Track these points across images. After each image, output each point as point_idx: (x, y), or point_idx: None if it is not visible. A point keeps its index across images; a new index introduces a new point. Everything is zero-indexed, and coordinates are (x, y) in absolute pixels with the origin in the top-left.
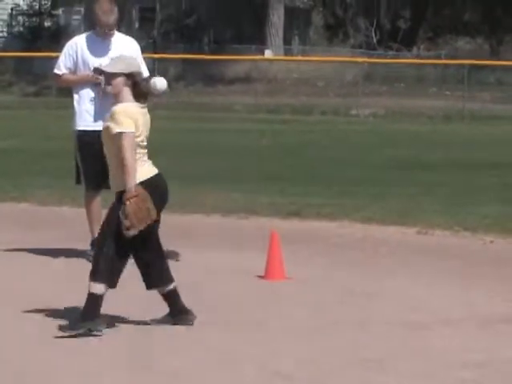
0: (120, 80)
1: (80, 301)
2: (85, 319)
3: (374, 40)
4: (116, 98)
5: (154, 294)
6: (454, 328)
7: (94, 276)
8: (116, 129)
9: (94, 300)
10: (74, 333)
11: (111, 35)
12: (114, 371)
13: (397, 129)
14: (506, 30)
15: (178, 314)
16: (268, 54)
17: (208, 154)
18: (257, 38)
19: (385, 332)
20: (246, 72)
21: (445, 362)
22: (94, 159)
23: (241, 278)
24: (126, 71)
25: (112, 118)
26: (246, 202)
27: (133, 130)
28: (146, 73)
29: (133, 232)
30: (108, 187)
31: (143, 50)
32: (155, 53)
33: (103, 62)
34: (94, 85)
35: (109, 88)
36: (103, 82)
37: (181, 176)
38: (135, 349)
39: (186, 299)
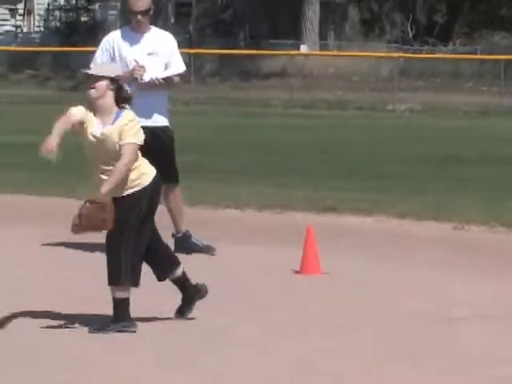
0: (104, 83)
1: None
2: (115, 322)
3: (410, 35)
4: (98, 102)
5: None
6: (492, 324)
7: (115, 280)
8: (132, 139)
9: (121, 304)
10: (104, 333)
11: (147, 28)
12: (150, 367)
13: (433, 124)
14: None
15: (191, 296)
16: (304, 48)
17: (243, 149)
18: (292, 33)
19: (422, 328)
20: (282, 67)
21: (483, 358)
22: None
23: (276, 273)
24: (111, 75)
25: (127, 125)
26: (281, 197)
27: (141, 142)
28: (182, 67)
29: (75, 232)
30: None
31: (179, 45)
32: (191, 48)
33: (139, 57)
34: (131, 81)
35: (92, 91)
36: (140, 78)
37: (216, 171)
38: (176, 345)
39: (221, 294)
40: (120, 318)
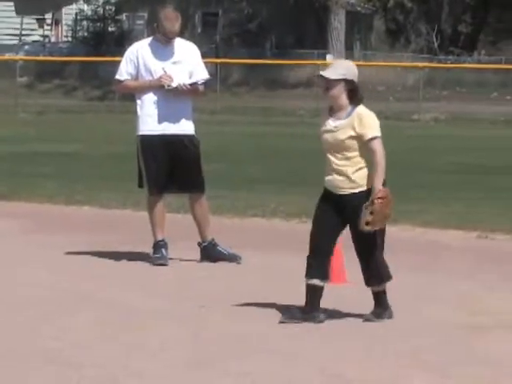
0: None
1: (142, 302)
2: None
3: (435, 45)
4: (334, 101)
5: None
6: None
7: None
8: (374, 133)
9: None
10: (382, 320)
11: (173, 41)
12: (179, 374)
13: (458, 133)
14: None
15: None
16: (330, 58)
17: (270, 158)
18: (318, 42)
19: (447, 336)
20: (308, 77)
21: (506, 367)
22: (156, 164)
23: (301, 282)
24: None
25: (361, 120)
26: (307, 206)
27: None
28: (206, 76)
29: (369, 229)
30: (171, 191)
31: (206, 55)
32: (217, 57)
33: (165, 67)
34: (157, 89)
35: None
36: (166, 85)
37: (243, 179)
38: (207, 352)
39: (247, 302)
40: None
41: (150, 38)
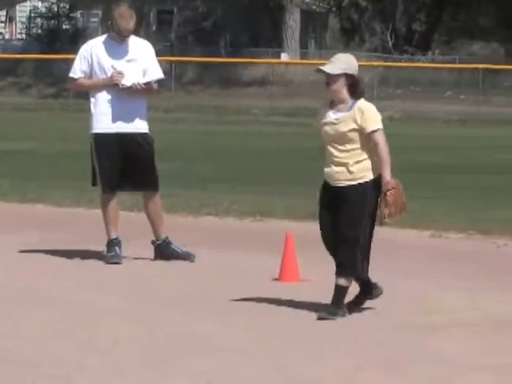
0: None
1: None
2: (339, 310)
3: (390, 44)
4: (335, 95)
5: None
6: (470, 331)
7: (346, 272)
8: (376, 125)
9: (343, 292)
10: (334, 318)
11: (127, 39)
12: (133, 373)
13: (413, 132)
14: None
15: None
16: (284, 57)
17: (224, 156)
18: (273, 41)
19: (399, 334)
20: (262, 75)
21: (460, 366)
22: (110, 162)
23: (256, 280)
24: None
25: (363, 113)
26: (261, 204)
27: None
28: (161, 74)
29: (389, 221)
30: (125, 190)
31: (160, 53)
32: (172, 56)
33: (118, 64)
34: (111, 88)
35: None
36: (120, 84)
37: (197, 178)
38: (160, 351)
39: (200, 300)
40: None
41: (104, 36)
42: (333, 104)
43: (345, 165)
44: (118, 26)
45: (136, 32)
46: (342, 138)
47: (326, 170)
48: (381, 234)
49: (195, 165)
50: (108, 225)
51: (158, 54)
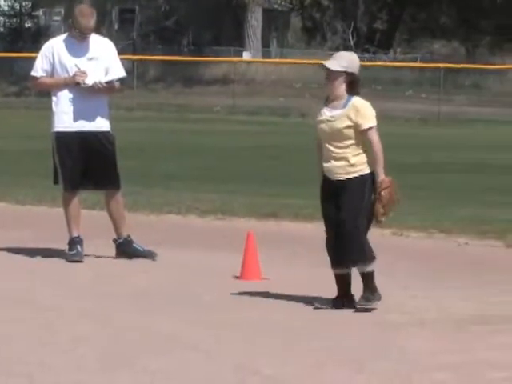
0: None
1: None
2: (375, 294)
3: (351, 43)
4: (332, 91)
5: None
6: (429, 329)
7: (367, 258)
8: (370, 123)
9: (370, 277)
10: (372, 306)
11: (88, 37)
12: (94, 371)
13: None
14: (482, 33)
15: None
16: (246, 55)
17: (186, 155)
18: (235, 40)
19: (361, 333)
20: (225, 74)
21: (419, 363)
22: (71, 160)
23: (217, 278)
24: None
25: (358, 111)
26: (223, 203)
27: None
28: (123, 72)
29: (384, 219)
30: (86, 188)
31: (123, 52)
32: (134, 54)
33: (80, 63)
34: (72, 86)
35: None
36: (82, 83)
37: (159, 176)
38: (120, 349)
39: (162, 299)
40: (376, 290)
41: (65, 35)
42: (327, 101)
43: (345, 159)
44: (79, 24)
45: (98, 31)
46: (338, 135)
47: (326, 165)
48: None
49: (157, 163)
50: (70, 223)
51: (120, 52)
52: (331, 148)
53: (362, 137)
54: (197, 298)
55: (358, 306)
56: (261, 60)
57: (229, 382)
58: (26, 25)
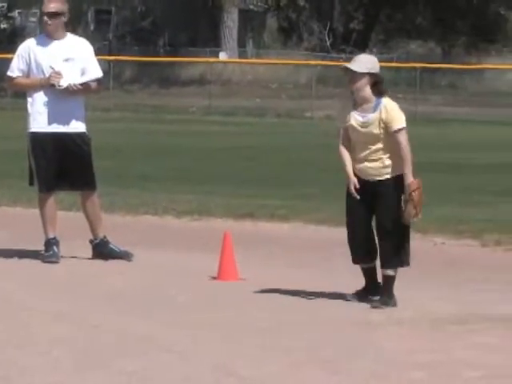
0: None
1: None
2: (392, 299)
3: (328, 43)
4: (358, 94)
5: None
6: (405, 328)
7: (394, 263)
8: (400, 124)
9: (391, 281)
10: (388, 307)
11: (62, 35)
12: (70, 372)
13: None
14: (457, 33)
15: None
16: (222, 56)
17: (163, 156)
18: (211, 40)
19: (338, 332)
20: (201, 74)
21: (396, 363)
22: (47, 161)
23: (194, 279)
24: (370, 71)
25: (388, 113)
26: (199, 203)
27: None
28: (99, 73)
29: (415, 220)
30: (62, 189)
31: (99, 52)
32: (110, 55)
33: (56, 64)
34: (48, 87)
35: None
36: (57, 84)
37: (136, 177)
38: (95, 351)
39: (139, 299)
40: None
41: (42, 35)
42: (356, 105)
43: (378, 160)
44: (44, 7)
45: (74, 31)
46: (372, 139)
47: (359, 166)
48: (320, 233)
49: (134, 164)
50: (46, 224)
51: (96, 53)
52: (365, 151)
53: (391, 139)
54: (173, 299)
55: (373, 306)
56: (237, 60)
57: (205, 382)
58: (2, 26)
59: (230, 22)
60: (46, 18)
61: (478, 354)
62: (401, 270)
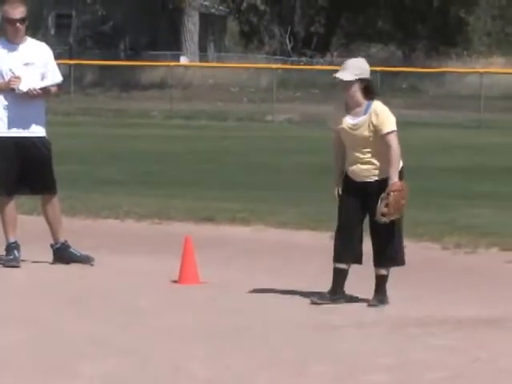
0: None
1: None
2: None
3: (289, 47)
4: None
5: None
6: (366, 331)
7: (388, 262)
8: (391, 127)
9: (385, 280)
10: (384, 305)
11: (23, 39)
12: (27, 377)
13: (311, 135)
14: (418, 37)
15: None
16: (183, 60)
17: (124, 160)
18: (172, 44)
19: (300, 335)
20: (162, 78)
21: (356, 365)
22: (7, 165)
23: (155, 282)
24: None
25: (378, 116)
26: (160, 207)
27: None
28: (59, 77)
29: (385, 220)
30: (23, 193)
31: (59, 57)
32: (71, 59)
33: (15, 68)
34: (7, 92)
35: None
36: (17, 89)
37: (96, 181)
38: (54, 355)
39: (99, 303)
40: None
41: (2, 39)
42: (348, 108)
43: (370, 163)
44: (6, 14)
45: (34, 35)
46: (363, 141)
47: (352, 168)
48: (280, 236)
49: (95, 168)
50: (6, 228)
51: (56, 57)
52: (357, 153)
53: (382, 141)
54: (134, 303)
55: (370, 304)
56: (198, 64)
57: None
58: None
59: (191, 25)
60: (17, 24)
61: (438, 355)
62: (362, 273)
